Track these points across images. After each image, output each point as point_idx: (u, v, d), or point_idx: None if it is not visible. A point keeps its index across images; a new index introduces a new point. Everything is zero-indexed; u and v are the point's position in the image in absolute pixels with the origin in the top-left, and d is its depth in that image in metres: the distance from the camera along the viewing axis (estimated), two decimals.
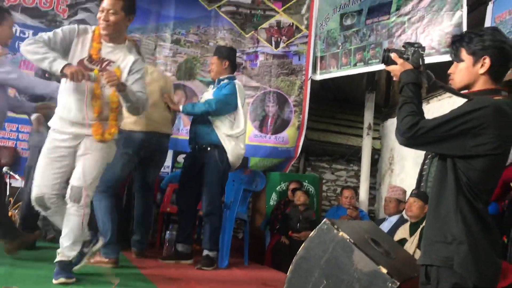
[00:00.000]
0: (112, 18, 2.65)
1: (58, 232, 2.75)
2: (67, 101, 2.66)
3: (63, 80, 2.62)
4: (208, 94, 3.85)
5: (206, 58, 5.61)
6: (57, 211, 2.68)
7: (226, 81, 3.82)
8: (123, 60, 2.73)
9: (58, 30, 2.64)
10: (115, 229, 3.30)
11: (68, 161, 2.65)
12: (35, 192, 2.62)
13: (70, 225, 2.61)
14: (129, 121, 3.42)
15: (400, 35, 4.91)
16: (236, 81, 3.86)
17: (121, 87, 2.60)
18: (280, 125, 5.74)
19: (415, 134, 1.64)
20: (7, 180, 4.21)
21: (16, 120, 4.80)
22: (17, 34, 4.92)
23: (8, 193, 4.13)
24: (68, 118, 2.65)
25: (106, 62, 2.69)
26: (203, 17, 5.67)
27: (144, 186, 3.84)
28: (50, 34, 2.61)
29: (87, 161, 2.64)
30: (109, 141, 2.70)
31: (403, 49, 1.86)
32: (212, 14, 5.70)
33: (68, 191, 2.61)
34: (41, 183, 2.62)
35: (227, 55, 3.93)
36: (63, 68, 2.46)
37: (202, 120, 3.74)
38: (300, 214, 4.73)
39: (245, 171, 4.66)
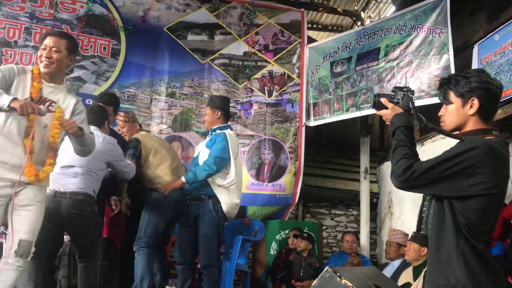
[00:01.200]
0: (55, 56, 2.63)
1: None
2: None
3: None
4: (201, 146, 3.89)
5: (201, 110, 5.68)
6: None
7: (218, 131, 3.86)
8: (63, 100, 2.70)
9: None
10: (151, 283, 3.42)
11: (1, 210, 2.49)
12: None
13: (7, 282, 2.45)
14: (167, 179, 3.68)
15: (390, 80, 5.02)
16: (227, 131, 3.89)
17: (79, 133, 2.61)
18: (277, 172, 5.74)
19: (410, 177, 1.65)
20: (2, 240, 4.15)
21: None
22: None
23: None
24: (3, 160, 2.49)
25: (48, 102, 2.62)
26: (197, 70, 5.79)
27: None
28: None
29: (27, 214, 2.52)
30: (44, 181, 2.62)
31: (392, 93, 1.90)
32: (206, 67, 5.82)
33: (14, 245, 2.44)
34: None
35: (220, 104, 3.99)
36: (10, 101, 2.35)
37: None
38: (304, 261, 4.66)
39: (244, 221, 4.63)
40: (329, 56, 5.70)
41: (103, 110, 3.67)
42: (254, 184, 5.62)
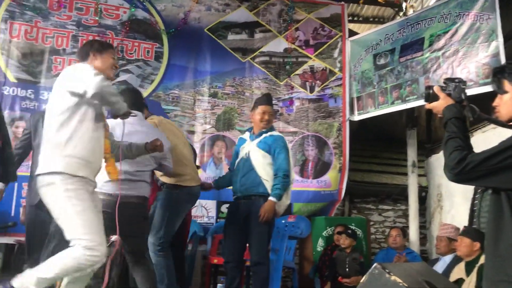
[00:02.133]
0: None
1: None
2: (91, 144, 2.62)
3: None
4: (251, 145, 3.81)
5: (243, 108, 5.72)
6: None
7: (272, 133, 3.84)
8: None
9: None
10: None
11: None
12: None
13: None
14: (188, 178, 3.63)
15: (435, 70, 4.87)
16: (278, 133, 3.91)
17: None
18: (321, 169, 5.70)
19: (464, 169, 1.60)
20: None
21: None
22: None
23: None
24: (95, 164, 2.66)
25: None
26: (238, 69, 5.83)
27: None
28: None
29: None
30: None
31: (444, 85, 1.85)
32: (247, 66, 5.85)
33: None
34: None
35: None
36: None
37: (250, 172, 3.72)
38: (347, 257, 4.61)
39: (289, 218, 4.62)
40: (372, 49, 5.60)
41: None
42: (298, 181, 5.59)
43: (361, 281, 2.17)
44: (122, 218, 2.83)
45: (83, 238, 2.39)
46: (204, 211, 5.29)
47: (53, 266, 2.38)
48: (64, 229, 2.44)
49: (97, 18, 5.43)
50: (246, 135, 3.95)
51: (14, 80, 5.08)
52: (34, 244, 3.51)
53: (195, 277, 4.91)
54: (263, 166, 3.72)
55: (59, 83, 2.60)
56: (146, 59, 5.53)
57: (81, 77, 2.50)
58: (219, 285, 3.94)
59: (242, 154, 3.81)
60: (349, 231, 4.74)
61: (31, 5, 5.26)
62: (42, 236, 3.28)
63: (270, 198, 3.60)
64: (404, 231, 5.34)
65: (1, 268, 4.75)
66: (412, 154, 5.81)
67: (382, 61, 5.46)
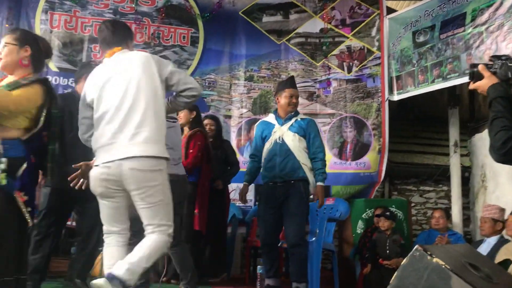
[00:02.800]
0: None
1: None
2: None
3: None
4: (283, 130, 3.81)
5: None
6: None
7: (302, 116, 3.92)
8: None
9: None
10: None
11: None
12: None
13: None
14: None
15: (478, 46, 4.68)
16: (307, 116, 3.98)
17: None
18: (360, 150, 5.62)
19: (510, 150, 1.54)
20: None
21: None
22: None
23: None
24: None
25: None
26: (273, 51, 5.79)
27: None
28: None
29: None
30: None
31: (490, 62, 1.78)
32: (282, 48, 5.80)
33: None
34: None
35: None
36: None
37: (289, 157, 3.72)
38: (387, 239, 4.56)
39: (327, 200, 4.60)
40: (411, 26, 5.43)
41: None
42: (337, 163, 5.55)
43: (402, 263, 2.14)
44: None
45: (170, 225, 2.42)
46: None
47: (142, 255, 2.32)
48: (153, 215, 2.38)
49: (133, 5, 5.49)
50: (271, 119, 3.95)
51: (56, 70, 5.23)
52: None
53: (235, 259, 4.98)
54: (299, 150, 3.74)
55: (152, 68, 2.50)
56: (182, 44, 5.57)
57: (171, 69, 2.55)
58: (258, 267, 3.98)
59: (273, 138, 3.80)
60: (388, 213, 4.67)
61: None
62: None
63: (319, 183, 3.72)
64: (447, 212, 5.23)
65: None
66: (454, 134, 5.65)
67: (421, 39, 5.29)
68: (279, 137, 3.78)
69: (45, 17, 5.27)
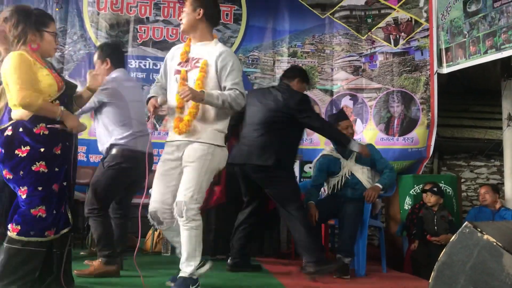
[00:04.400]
0: (182, 15, 2.78)
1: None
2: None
3: None
4: (350, 164, 4.01)
5: (323, 67, 5.63)
6: (170, 226, 2.74)
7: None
8: (209, 54, 2.72)
9: (163, 63, 2.94)
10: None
11: (176, 174, 2.70)
12: (150, 207, 2.72)
13: (183, 240, 2.60)
14: None
15: None
16: None
17: (198, 99, 2.58)
18: (408, 125, 5.50)
19: None
20: None
21: (156, 145, 5.23)
22: (150, 66, 5.42)
23: None
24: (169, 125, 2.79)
25: (194, 61, 2.73)
26: (317, 26, 5.70)
27: None
28: (160, 70, 2.95)
29: (185, 174, 2.65)
30: (186, 133, 2.66)
31: None
32: (326, 22, 5.71)
33: (174, 206, 2.61)
34: (154, 198, 2.71)
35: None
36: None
37: (357, 185, 3.96)
38: (435, 215, 4.47)
39: None
40: None
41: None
42: (383, 139, 5.46)
43: (451, 240, 2.10)
44: None
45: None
46: None
47: (196, 245, 2.62)
48: (194, 196, 2.59)
49: None
50: (333, 152, 4.09)
51: None
52: None
53: (282, 235, 5.02)
54: (367, 180, 3.97)
55: (235, 60, 2.77)
56: (226, 22, 5.58)
57: None
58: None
59: (343, 173, 3.99)
60: (435, 189, 4.57)
61: None
62: None
63: (377, 184, 3.91)
64: (496, 187, 5.06)
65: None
66: (507, 107, 5.43)
67: (473, 8, 5.06)
68: (348, 172, 3.98)
69: (92, 8, 5.40)
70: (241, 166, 3.59)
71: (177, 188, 2.63)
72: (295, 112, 3.57)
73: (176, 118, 2.69)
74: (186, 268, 2.59)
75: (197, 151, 2.64)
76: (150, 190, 2.82)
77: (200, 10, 2.73)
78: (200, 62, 2.71)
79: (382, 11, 5.69)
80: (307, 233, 3.38)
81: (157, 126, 5.28)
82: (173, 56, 2.86)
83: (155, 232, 4.70)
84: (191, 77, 2.70)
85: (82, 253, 4.22)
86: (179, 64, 2.77)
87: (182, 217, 2.55)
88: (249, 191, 3.80)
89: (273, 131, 3.55)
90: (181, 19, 2.80)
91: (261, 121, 3.57)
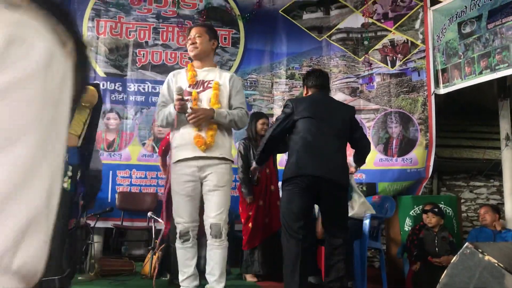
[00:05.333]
0: (198, 40, 3.00)
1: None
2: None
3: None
4: None
5: None
6: (195, 242, 2.94)
7: None
8: (219, 77, 3.01)
9: (163, 87, 3.10)
10: None
11: (199, 193, 2.92)
12: (181, 226, 2.88)
13: (215, 259, 2.80)
14: None
15: None
16: None
17: (209, 117, 2.84)
18: (406, 146, 5.50)
19: None
20: (152, 224, 4.57)
21: (154, 168, 5.23)
22: (149, 89, 5.45)
23: (153, 236, 4.47)
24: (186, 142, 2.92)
25: (206, 83, 2.97)
26: (314, 48, 5.76)
27: None
28: (162, 94, 3.08)
29: (217, 197, 2.85)
30: (210, 148, 2.86)
31: None
32: (323, 44, 5.77)
33: (208, 229, 2.81)
34: (185, 218, 2.89)
35: None
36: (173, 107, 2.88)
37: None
38: (436, 236, 4.44)
39: (373, 198, 4.53)
40: (456, 17, 5.27)
41: None
42: (382, 160, 5.46)
43: (452, 261, 2.08)
44: None
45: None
46: None
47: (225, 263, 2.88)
48: (226, 217, 2.86)
49: (175, 9, 5.60)
50: None
51: (103, 75, 5.41)
52: None
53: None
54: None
55: (241, 84, 3.22)
56: (224, 45, 5.63)
57: None
58: None
59: None
60: (436, 209, 4.55)
61: (115, 1, 5.54)
62: None
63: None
64: (496, 208, 5.04)
65: (101, 251, 5.12)
66: (505, 126, 5.44)
67: (468, 29, 5.12)
68: None
69: (92, 24, 5.46)
70: (319, 179, 3.18)
71: (199, 206, 2.90)
72: (354, 127, 3.43)
73: (195, 136, 2.84)
74: (218, 285, 2.78)
75: (224, 175, 2.88)
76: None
77: (214, 41, 3.09)
78: (211, 83, 2.96)
79: (379, 33, 5.76)
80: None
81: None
82: (177, 80, 3.04)
83: (154, 256, 4.66)
84: (204, 98, 2.92)
85: (80, 278, 4.18)
86: (189, 86, 2.97)
87: (220, 238, 2.78)
88: (308, 208, 3.31)
89: (344, 146, 3.39)
90: (195, 43, 3.01)
91: (336, 133, 3.32)
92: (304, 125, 3.25)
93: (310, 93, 3.52)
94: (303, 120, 3.25)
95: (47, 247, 0.49)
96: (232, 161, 3.01)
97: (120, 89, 5.42)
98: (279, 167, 5.23)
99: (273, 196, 4.37)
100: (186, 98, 2.86)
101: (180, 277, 2.90)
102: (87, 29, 5.45)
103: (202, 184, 2.89)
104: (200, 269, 3.11)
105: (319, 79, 3.52)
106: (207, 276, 2.87)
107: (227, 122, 2.88)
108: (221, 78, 3.01)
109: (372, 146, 5.45)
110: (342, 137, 3.35)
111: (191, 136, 2.85)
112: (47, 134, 0.47)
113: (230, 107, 2.97)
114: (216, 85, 2.94)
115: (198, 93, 2.93)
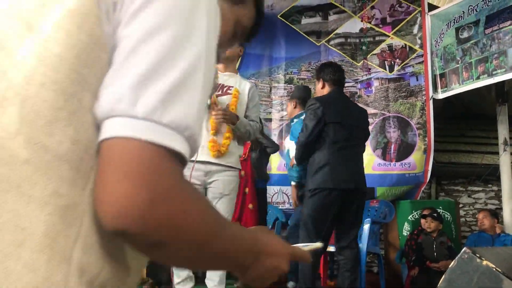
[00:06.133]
0: None
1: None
2: None
3: None
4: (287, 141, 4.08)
5: None
6: None
7: (294, 120, 4.10)
8: (239, 84, 2.99)
9: None
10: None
11: None
12: None
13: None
14: None
15: None
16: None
17: (231, 122, 2.81)
18: (405, 151, 5.50)
19: None
20: None
21: None
22: None
23: None
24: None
25: (225, 88, 2.95)
26: (313, 53, 5.77)
27: None
28: None
29: (222, 204, 2.81)
30: (225, 154, 2.81)
31: None
32: (322, 49, 5.78)
33: None
34: None
35: (295, 94, 4.21)
36: None
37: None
38: (434, 241, 4.44)
39: (371, 202, 4.53)
40: (454, 22, 5.28)
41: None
42: (381, 164, 5.46)
43: (450, 266, 2.08)
44: None
45: None
46: (285, 197, 5.33)
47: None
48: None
49: None
50: None
51: None
52: None
53: None
54: None
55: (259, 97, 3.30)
56: None
57: None
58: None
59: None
60: (435, 214, 4.55)
61: None
62: None
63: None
64: (494, 212, 5.04)
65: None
66: (503, 131, 5.45)
67: (465, 35, 5.14)
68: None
69: None
70: (349, 190, 3.14)
71: None
72: (367, 132, 3.44)
73: (210, 140, 2.79)
74: None
75: (231, 182, 2.84)
76: None
77: (242, 48, 3.12)
78: (231, 89, 2.94)
79: (377, 38, 5.77)
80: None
81: None
82: None
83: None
84: (223, 102, 2.89)
85: None
86: None
87: None
88: (334, 219, 3.22)
89: (362, 150, 3.39)
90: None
91: (361, 139, 3.33)
92: (334, 131, 3.20)
93: (327, 87, 3.43)
94: (333, 126, 3.20)
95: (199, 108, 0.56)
96: (240, 169, 2.97)
97: None
98: (277, 171, 5.25)
99: (247, 199, 4.37)
100: None
101: (176, 280, 2.87)
102: None
103: (206, 189, 2.83)
104: (199, 275, 3.10)
105: (337, 74, 3.46)
106: (207, 282, 2.85)
107: (243, 132, 2.85)
108: (241, 86, 2.97)
109: (371, 151, 5.48)
110: (363, 142, 3.42)
111: (206, 139, 2.77)
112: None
113: (245, 117, 2.95)
114: (236, 92, 2.92)
115: (217, 96, 2.89)
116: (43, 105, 0.51)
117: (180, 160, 0.54)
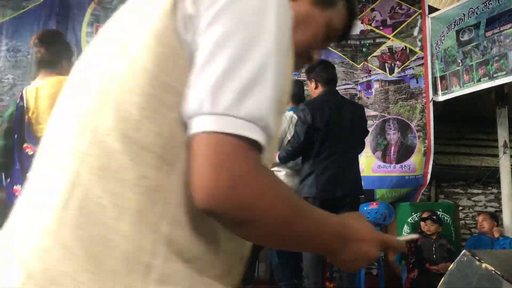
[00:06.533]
0: None
1: None
2: None
3: None
4: None
5: None
6: None
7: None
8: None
9: None
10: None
11: None
12: None
13: None
14: None
15: None
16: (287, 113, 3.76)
17: None
18: (405, 153, 5.51)
19: None
20: None
21: None
22: None
23: None
24: None
25: None
26: None
27: None
28: None
29: None
30: None
31: None
32: (322, 51, 5.78)
33: None
34: None
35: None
36: None
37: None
38: (434, 243, 4.44)
39: (371, 205, 4.53)
40: (454, 24, 5.29)
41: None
42: (380, 166, 5.46)
43: (449, 269, 2.08)
44: None
45: None
46: None
47: None
48: None
49: None
50: None
51: None
52: None
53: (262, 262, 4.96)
54: None
55: None
56: None
57: None
58: None
59: None
60: (434, 217, 4.55)
61: (114, 7, 5.54)
62: None
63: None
64: (494, 215, 5.04)
65: None
66: (503, 134, 5.46)
67: (466, 37, 5.14)
68: None
69: (91, 29, 5.46)
70: (339, 197, 3.17)
71: None
72: (364, 130, 3.40)
73: None
74: None
75: None
76: None
77: None
78: None
79: (377, 40, 5.78)
80: None
81: None
82: None
83: None
84: None
85: None
86: None
87: None
88: None
89: (359, 150, 3.37)
90: None
91: (354, 140, 3.30)
92: (323, 138, 3.18)
93: (320, 87, 3.39)
94: (324, 132, 3.17)
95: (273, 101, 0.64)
96: None
97: None
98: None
99: None
100: None
101: None
102: (86, 34, 5.45)
103: None
104: None
105: (329, 72, 3.41)
106: None
107: None
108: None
109: (370, 153, 5.48)
110: (357, 144, 3.36)
111: None
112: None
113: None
114: None
115: None
116: (133, 107, 0.63)
117: (257, 147, 0.62)
